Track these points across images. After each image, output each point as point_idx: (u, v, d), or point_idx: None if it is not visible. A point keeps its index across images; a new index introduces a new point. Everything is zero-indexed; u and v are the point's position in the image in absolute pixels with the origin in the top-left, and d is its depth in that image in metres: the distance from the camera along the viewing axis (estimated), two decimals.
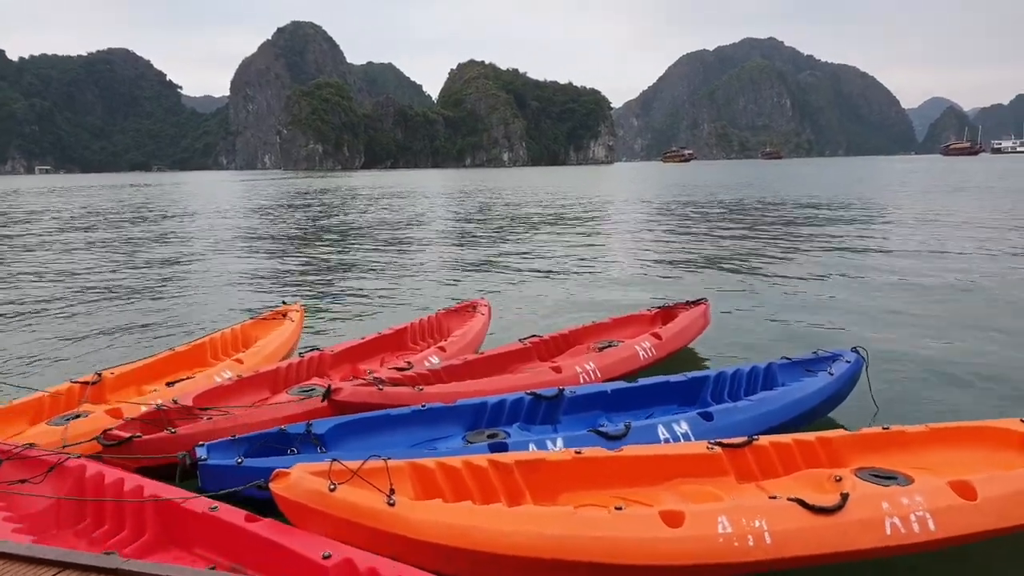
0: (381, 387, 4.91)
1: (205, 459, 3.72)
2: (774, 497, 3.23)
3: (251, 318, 7.59)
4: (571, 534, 2.96)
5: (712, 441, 3.89)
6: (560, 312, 9.47)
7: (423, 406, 4.63)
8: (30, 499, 3.63)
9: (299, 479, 3.23)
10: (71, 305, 10.66)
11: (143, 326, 9.20)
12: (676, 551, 2.96)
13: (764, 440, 3.92)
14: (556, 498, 3.63)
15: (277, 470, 3.32)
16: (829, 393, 5.00)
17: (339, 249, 17.44)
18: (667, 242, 17.27)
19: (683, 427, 4.27)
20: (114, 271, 14.20)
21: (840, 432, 4.06)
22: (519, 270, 13.20)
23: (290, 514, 3.18)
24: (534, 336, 6.64)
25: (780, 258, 13.89)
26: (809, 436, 3.96)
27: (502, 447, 3.96)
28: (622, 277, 12.41)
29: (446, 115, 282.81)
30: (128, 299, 11.12)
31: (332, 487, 3.19)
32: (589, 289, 11.23)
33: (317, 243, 18.93)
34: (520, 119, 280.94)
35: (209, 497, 3.34)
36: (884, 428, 4.07)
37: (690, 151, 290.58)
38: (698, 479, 3.76)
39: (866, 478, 3.57)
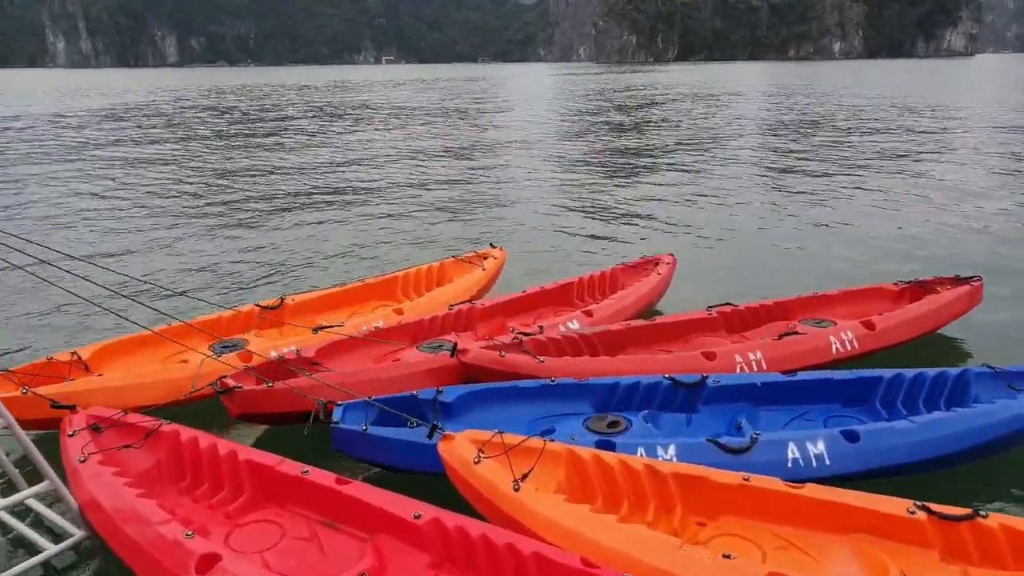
0: (503, 354, 4.78)
1: (337, 422, 4.03)
2: None
3: (454, 257, 7.41)
4: (666, 570, 2.90)
5: (918, 504, 3.29)
6: (801, 275, 8.28)
7: (552, 381, 4.51)
8: (135, 461, 3.91)
9: (458, 445, 3.53)
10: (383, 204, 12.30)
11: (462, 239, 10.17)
12: None
13: (993, 520, 3.17)
14: (714, 519, 3.51)
15: (447, 432, 3.64)
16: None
17: (630, 168, 17.12)
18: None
19: (819, 447, 3.79)
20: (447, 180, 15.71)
21: None
22: (793, 215, 11.82)
23: (450, 476, 3.53)
24: (726, 304, 5.90)
25: None
26: None
27: (609, 446, 3.81)
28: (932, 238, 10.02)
29: (771, 1, 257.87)
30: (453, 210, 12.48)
31: (477, 459, 3.43)
32: (870, 252, 9.39)
33: (609, 164, 18.65)
34: (860, 3, 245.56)
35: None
36: None
37: None
38: (888, 542, 3.28)
39: None
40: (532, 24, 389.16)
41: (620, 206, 12.81)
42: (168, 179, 16.34)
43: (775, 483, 3.48)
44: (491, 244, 7.82)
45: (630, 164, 17.81)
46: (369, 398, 4.25)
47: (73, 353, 5.05)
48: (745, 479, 3.49)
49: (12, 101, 48.61)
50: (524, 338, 5.12)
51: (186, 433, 4.01)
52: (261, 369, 4.77)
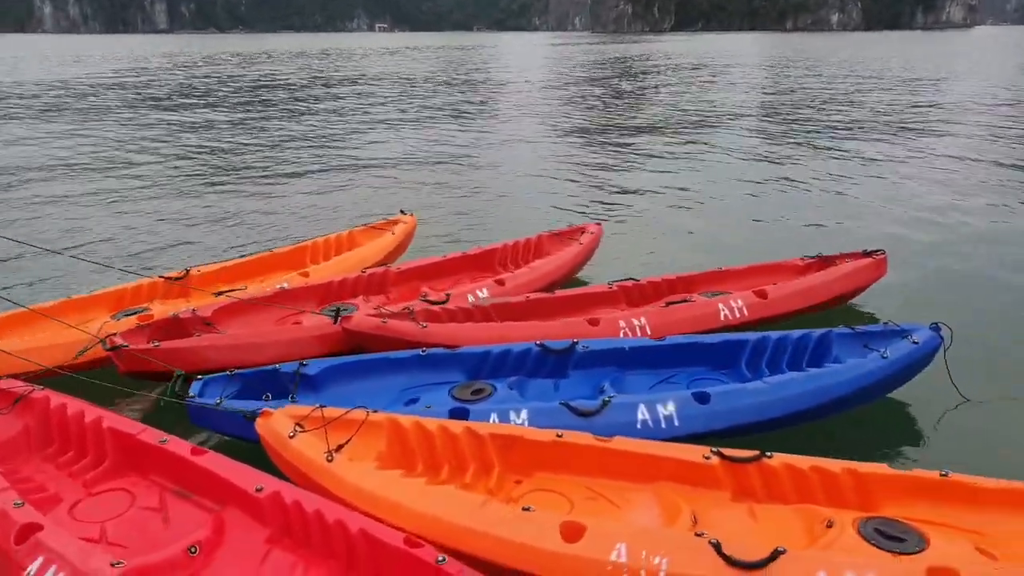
0: (385, 321, 4.76)
1: (193, 396, 4.05)
2: (701, 534, 2.89)
3: (364, 225, 7.38)
4: (472, 528, 2.99)
5: (713, 449, 3.47)
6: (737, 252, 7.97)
7: (423, 351, 4.53)
8: (1, 427, 3.88)
9: (276, 421, 3.56)
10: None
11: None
12: (560, 567, 2.86)
13: (777, 460, 3.42)
14: (530, 475, 3.61)
15: (265, 408, 3.65)
16: (871, 380, 4.20)
17: (629, 143, 16.97)
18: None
19: (669, 408, 3.85)
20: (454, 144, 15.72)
21: (879, 468, 3.38)
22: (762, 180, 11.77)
23: (267, 452, 3.55)
24: (628, 279, 5.89)
25: None
26: (834, 464, 3.40)
27: (464, 413, 3.89)
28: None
29: None
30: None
31: (292, 433, 3.45)
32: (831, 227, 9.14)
33: (611, 135, 18.39)
34: None
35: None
36: (942, 474, 3.28)
37: None
38: (687, 487, 3.45)
39: (868, 533, 3.03)
40: None
41: (590, 175, 12.76)
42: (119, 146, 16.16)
43: (586, 438, 3.60)
44: (401, 211, 7.75)
45: (611, 138, 17.61)
46: (230, 371, 4.28)
47: None
48: (558, 435, 3.60)
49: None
50: (415, 307, 5.10)
51: (56, 399, 3.98)
52: (153, 328, 4.78)
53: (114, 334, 4.62)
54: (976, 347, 5.27)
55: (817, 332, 4.70)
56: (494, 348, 4.62)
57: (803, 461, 3.43)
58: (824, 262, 6.11)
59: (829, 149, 14.91)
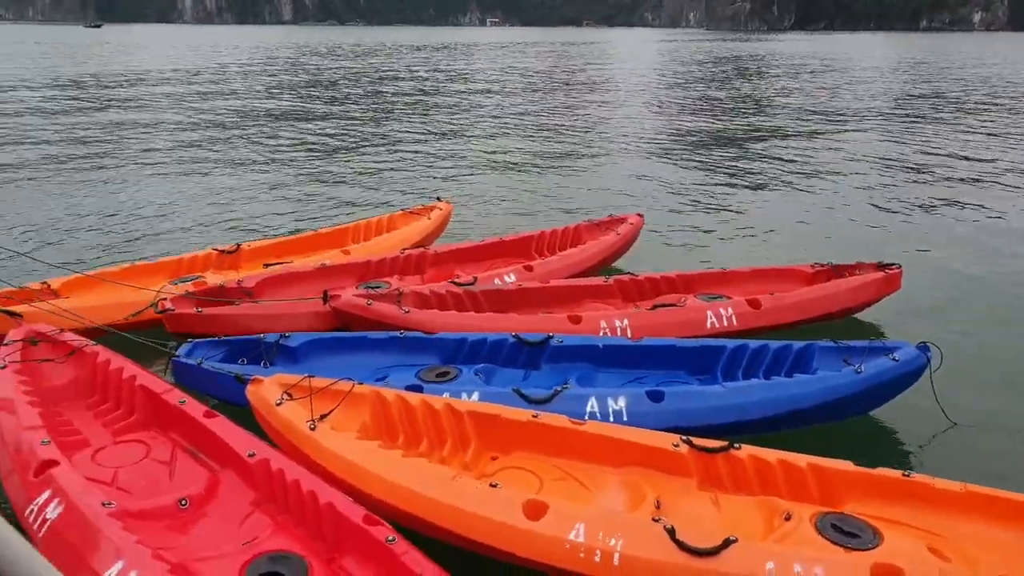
0: (370, 303, 4.98)
1: (178, 356, 4.40)
2: (658, 519, 3.04)
3: (402, 210, 7.79)
4: (438, 500, 3.15)
5: (683, 438, 3.61)
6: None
7: (401, 333, 4.74)
8: (52, 374, 4.33)
9: (265, 388, 3.79)
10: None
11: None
12: (520, 543, 3.00)
13: (745, 452, 3.53)
14: (507, 453, 3.80)
15: (255, 376, 3.90)
16: (838, 395, 4.14)
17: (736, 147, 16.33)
18: None
19: (620, 403, 3.94)
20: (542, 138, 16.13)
21: (843, 464, 3.46)
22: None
23: (256, 418, 3.81)
24: (627, 274, 5.96)
25: None
26: (800, 459, 3.49)
27: (417, 391, 4.03)
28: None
29: None
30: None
31: (279, 401, 3.66)
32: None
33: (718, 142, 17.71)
34: None
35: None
36: (904, 474, 3.36)
37: None
38: (656, 473, 3.59)
39: (824, 527, 3.16)
40: None
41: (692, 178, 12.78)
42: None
43: (561, 420, 3.75)
44: (438, 197, 8.18)
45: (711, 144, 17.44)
46: (219, 337, 4.68)
47: (44, 283, 5.66)
48: (534, 416, 3.76)
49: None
50: (403, 290, 5.36)
51: (104, 355, 4.40)
52: (200, 294, 5.25)
53: (165, 298, 5.12)
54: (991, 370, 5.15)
55: (799, 344, 4.64)
56: (470, 336, 4.77)
57: (770, 454, 3.53)
58: (835, 271, 5.91)
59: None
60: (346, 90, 28.48)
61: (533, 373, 4.69)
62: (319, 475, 3.33)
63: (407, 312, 5.03)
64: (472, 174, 12.78)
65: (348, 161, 13.82)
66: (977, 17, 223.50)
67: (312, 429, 3.56)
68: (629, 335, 4.97)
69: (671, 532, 2.90)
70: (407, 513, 3.18)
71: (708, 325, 5.15)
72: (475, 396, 4.02)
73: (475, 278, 5.68)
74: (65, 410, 4.18)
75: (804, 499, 3.42)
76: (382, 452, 3.51)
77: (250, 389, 3.87)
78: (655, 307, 5.36)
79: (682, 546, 2.85)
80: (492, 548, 3.07)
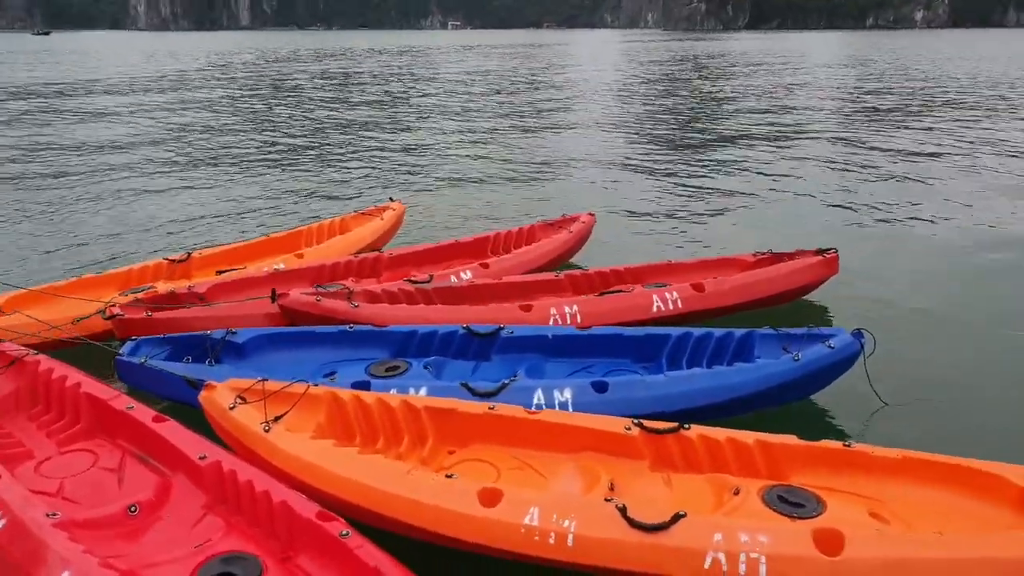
0: (319, 299, 4.95)
1: (121, 354, 4.32)
2: (610, 500, 3.11)
3: (355, 212, 7.75)
4: (397, 494, 3.17)
5: (635, 421, 3.69)
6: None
7: (350, 327, 4.71)
8: None
9: (218, 394, 3.74)
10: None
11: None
12: (475, 530, 3.04)
13: (695, 431, 3.63)
14: (464, 446, 3.83)
15: (209, 381, 3.83)
16: (777, 382, 4.24)
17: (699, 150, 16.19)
18: None
19: (565, 395, 4.01)
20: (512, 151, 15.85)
21: (788, 439, 3.58)
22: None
23: (210, 424, 3.76)
24: (575, 269, 6.03)
25: None
26: (747, 436, 3.60)
27: (365, 387, 4.05)
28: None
29: None
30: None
31: (232, 405, 3.63)
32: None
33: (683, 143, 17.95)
34: None
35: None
36: (846, 445, 3.50)
37: None
38: (609, 456, 3.66)
39: (771, 499, 3.27)
40: None
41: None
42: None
43: (517, 411, 3.82)
44: (390, 198, 8.21)
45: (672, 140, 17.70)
46: (163, 335, 4.61)
47: None
48: (490, 408, 3.81)
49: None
50: (354, 289, 5.35)
51: (46, 363, 4.27)
52: (149, 300, 5.16)
53: (113, 304, 5.02)
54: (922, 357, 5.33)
55: (740, 331, 4.74)
56: (420, 328, 4.76)
57: (719, 433, 3.63)
58: (775, 258, 6.04)
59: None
60: (306, 94, 28.34)
61: (483, 365, 4.71)
62: (274, 476, 3.30)
63: (357, 307, 5.00)
64: (429, 176, 12.86)
65: (304, 166, 13.78)
66: (919, 15, 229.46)
67: (267, 431, 3.55)
68: (579, 321, 5.02)
69: (623, 510, 2.97)
70: (363, 508, 3.20)
71: (655, 309, 5.23)
72: (423, 391, 4.05)
73: (431, 276, 5.70)
74: (5, 423, 4.07)
75: (752, 474, 3.53)
76: (337, 450, 3.51)
77: (203, 395, 3.83)
78: (602, 294, 5.41)
79: (633, 523, 2.92)
80: (449, 537, 3.12)
